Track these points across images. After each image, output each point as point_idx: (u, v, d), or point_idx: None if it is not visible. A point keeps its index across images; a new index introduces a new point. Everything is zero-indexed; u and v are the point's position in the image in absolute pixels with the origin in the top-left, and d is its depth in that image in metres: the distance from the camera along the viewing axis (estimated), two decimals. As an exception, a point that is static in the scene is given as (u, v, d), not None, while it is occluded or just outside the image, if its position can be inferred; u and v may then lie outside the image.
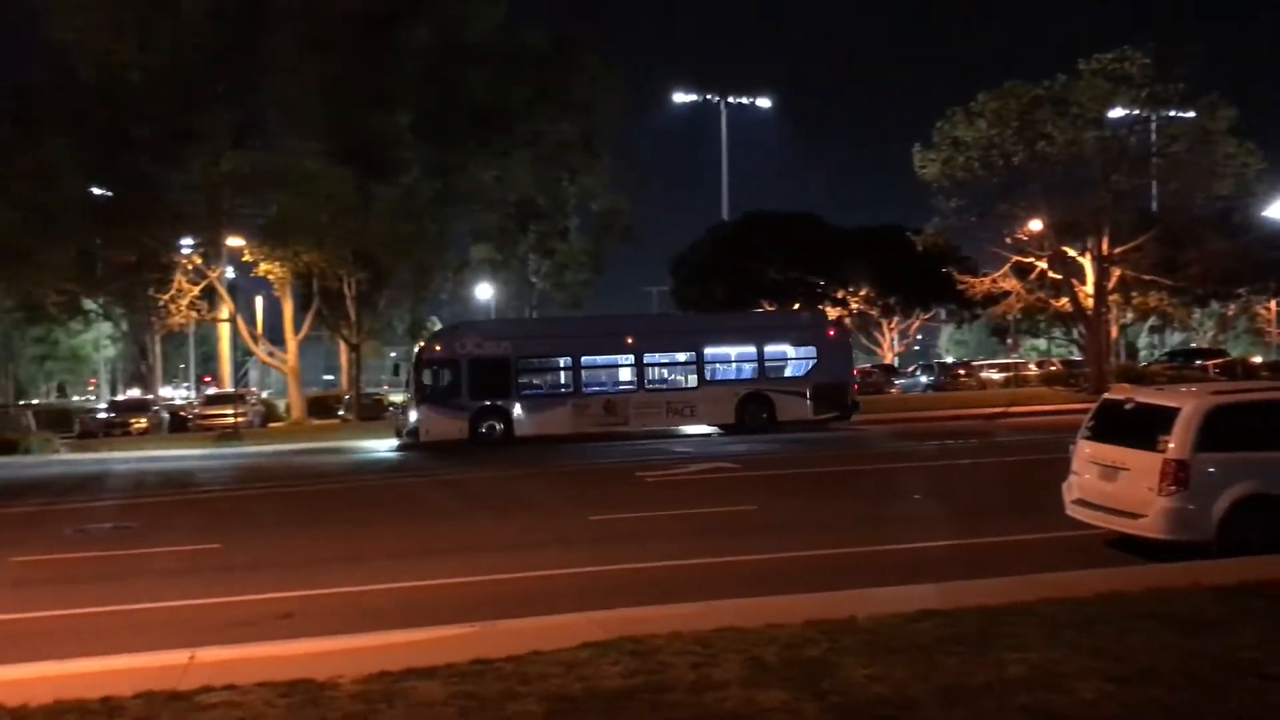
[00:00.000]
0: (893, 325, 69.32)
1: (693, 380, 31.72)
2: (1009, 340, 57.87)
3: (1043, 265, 43.73)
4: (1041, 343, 69.23)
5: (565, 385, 31.07)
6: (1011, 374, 51.68)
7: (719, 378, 31.91)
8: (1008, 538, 12.20)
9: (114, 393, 70.27)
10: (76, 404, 66.46)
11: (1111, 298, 45.88)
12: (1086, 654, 6.88)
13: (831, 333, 33.35)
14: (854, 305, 66.86)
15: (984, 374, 54.24)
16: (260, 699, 6.46)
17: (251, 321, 51.16)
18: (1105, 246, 41.76)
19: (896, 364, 66.58)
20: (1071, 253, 43.37)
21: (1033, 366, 56.65)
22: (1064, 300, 44.93)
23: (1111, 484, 11.07)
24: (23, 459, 33.11)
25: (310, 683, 6.74)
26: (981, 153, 40.60)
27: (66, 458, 33.23)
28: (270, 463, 27.74)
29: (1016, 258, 44.44)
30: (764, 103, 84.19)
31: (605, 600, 9.37)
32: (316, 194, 38.74)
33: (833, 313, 68.31)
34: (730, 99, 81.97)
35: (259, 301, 55.67)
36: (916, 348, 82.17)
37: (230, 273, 47.36)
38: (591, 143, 50.05)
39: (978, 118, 40.62)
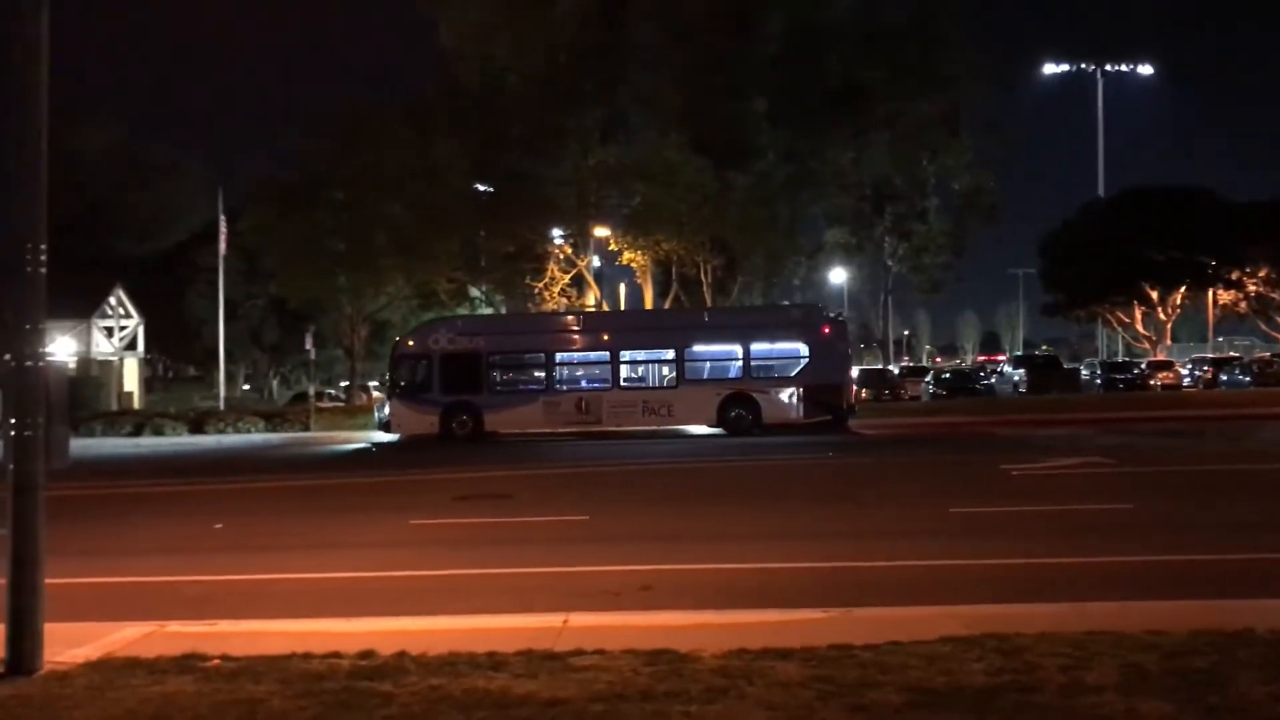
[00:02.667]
0: (1297, 310, 62.30)
1: (671, 379, 30.16)
2: None
3: None
4: None
5: (537, 382, 30.27)
6: None
7: (699, 376, 30.12)
8: None
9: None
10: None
11: None
12: None
13: (826, 330, 30.43)
14: (1250, 288, 60.74)
15: None
16: (627, 665, 6.76)
17: (616, 307, 53.61)
18: None
19: (1301, 352, 59.71)
20: None
21: None
22: None
23: None
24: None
25: (673, 653, 6.98)
26: None
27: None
28: (628, 441, 28.95)
29: None
30: (1145, 70, 77.72)
31: (964, 594, 9.06)
32: (677, 184, 40.10)
33: (1225, 296, 62.49)
34: (1107, 67, 76.28)
35: (622, 289, 58.30)
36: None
37: (596, 261, 49.91)
38: (953, 120, 48.27)
39: None
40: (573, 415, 29.95)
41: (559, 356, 30.68)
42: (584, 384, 30.62)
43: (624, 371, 30.80)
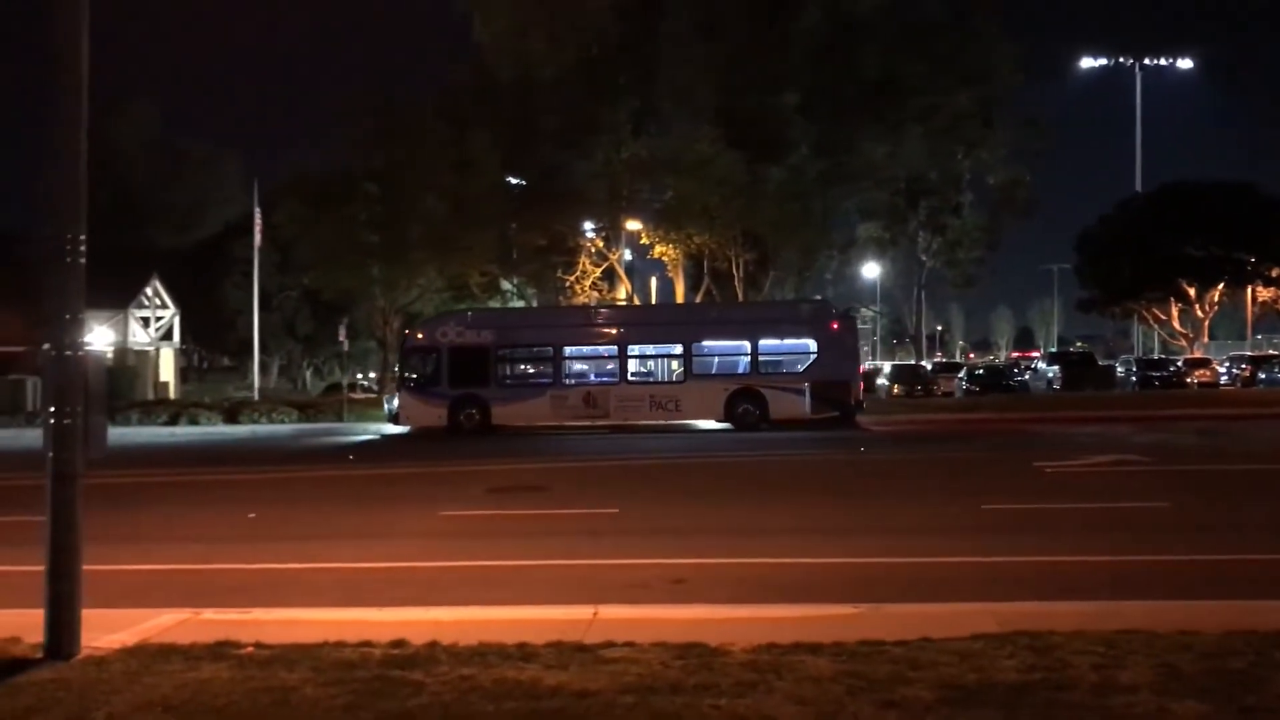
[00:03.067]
0: (1339, 308, 61.37)
1: (679, 373, 30.16)
2: None
3: None
4: None
5: (545, 376, 30.36)
6: None
7: (707, 371, 30.09)
8: None
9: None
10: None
11: None
12: None
13: (834, 325, 30.27)
14: (1290, 285, 60.04)
15: None
16: (657, 658, 6.78)
17: (646, 301, 53.59)
18: None
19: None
20: None
21: None
22: None
23: None
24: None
25: (703, 647, 7.00)
26: None
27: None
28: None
29: None
30: (1185, 63, 76.61)
31: (995, 592, 9.01)
32: (709, 177, 40.06)
33: (1264, 293, 61.69)
34: (1146, 61, 75.26)
35: (653, 282, 58.28)
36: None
37: (628, 255, 49.89)
38: (990, 114, 47.85)
39: None
40: (580, 409, 30.02)
41: (567, 350, 30.73)
42: (592, 378, 30.73)
43: (632, 366, 30.86)
